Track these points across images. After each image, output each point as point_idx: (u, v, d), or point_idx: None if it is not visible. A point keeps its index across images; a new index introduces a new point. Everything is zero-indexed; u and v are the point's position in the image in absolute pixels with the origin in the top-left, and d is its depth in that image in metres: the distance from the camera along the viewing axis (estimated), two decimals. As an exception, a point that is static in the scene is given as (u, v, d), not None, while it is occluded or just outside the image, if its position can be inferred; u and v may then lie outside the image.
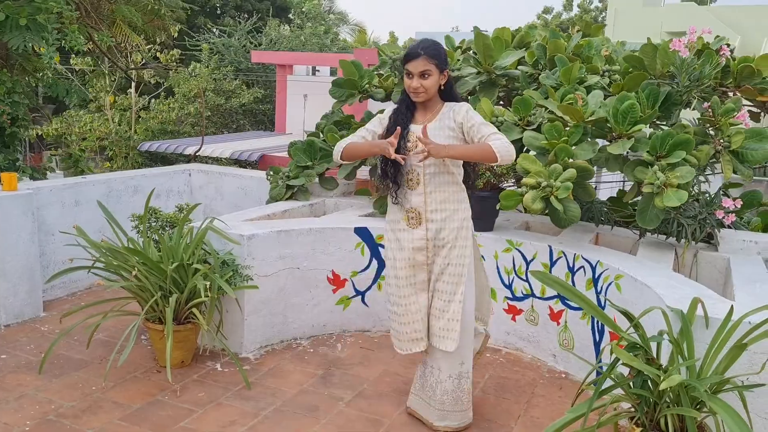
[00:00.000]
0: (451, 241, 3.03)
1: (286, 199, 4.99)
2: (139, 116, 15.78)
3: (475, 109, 4.57)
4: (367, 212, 4.74)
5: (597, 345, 3.76)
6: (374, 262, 4.34)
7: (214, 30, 20.38)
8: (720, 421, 2.59)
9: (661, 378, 2.62)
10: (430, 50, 2.94)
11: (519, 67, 4.91)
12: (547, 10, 45.52)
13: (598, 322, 3.74)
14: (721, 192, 4.24)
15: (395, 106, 3.15)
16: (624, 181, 9.13)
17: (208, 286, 3.48)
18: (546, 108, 4.28)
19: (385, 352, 4.11)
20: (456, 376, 3.13)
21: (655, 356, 2.78)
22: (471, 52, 5.18)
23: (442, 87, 3.00)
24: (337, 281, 4.31)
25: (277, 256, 4.05)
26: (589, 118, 4.05)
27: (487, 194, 4.30)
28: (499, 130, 4.35)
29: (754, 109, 4.47)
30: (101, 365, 3.77)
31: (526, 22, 47.95)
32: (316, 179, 5.10)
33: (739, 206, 3.95)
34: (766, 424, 2.78)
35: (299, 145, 5.23)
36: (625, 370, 2.85)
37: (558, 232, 4.49)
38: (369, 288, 4.36)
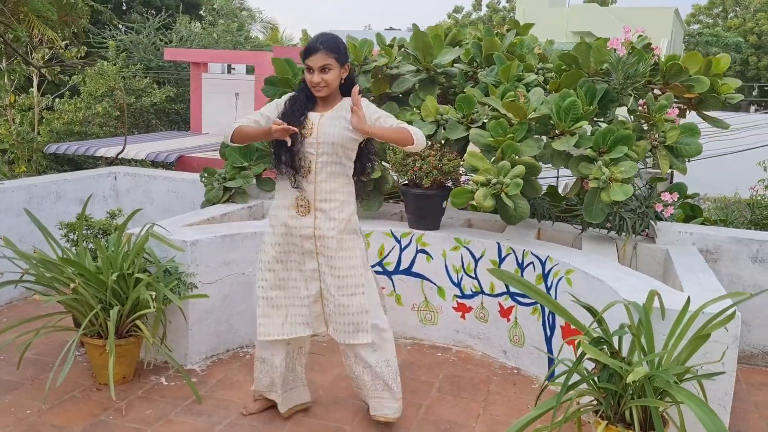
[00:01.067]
0: (338, 233, 3.00)
1: (224, 202, 4.80)
2: (42, 117, 14.90)
3: (419, 107, 4.58)
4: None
5: (548, 340, 3.81)
6: (321, 265, 4.23)
7: (121, 26, 19.52)
8: (681, 410, 2.67)
9: (626, 371, 2.68)
10: (329, 44, 2.91)
11: (455, 65, 4.92)
12: (457, 9, 46.40)
13: (549, 317, 3.79)
14: (647, 186, 4.40)
15: (292, 93, 3.12)
16: (557, 177, 9.40)
17: (154, 297, 3.28)
18: (489, 105, 4.31)
19: (336, 356, 4.01)
20: (376, 365, 3.12)
21: (618, 350, 2.83)
22: (403, 49, 5.16)
23: (343, 81, 2.98)
24: (283, 286, 4.17)
25: (221, 262, 3.88)
26: (533, 115, 4.10)
27: (433, 192, 4.27)
28: (444, 128, 4.39)
29: (681, 106, 4.66)
30: (34, 386, 3.49)
31: (437, 21, 48.66)
32: (254, 180, 4.94)
33: (676, 199, 4.11)
34: (722, 411, 2.89)
35: (235, 146, 5.05)
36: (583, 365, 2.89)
37: (501, 228, 4.52)
38: (316, 291, 4.25)
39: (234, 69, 18.45)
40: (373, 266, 4.26)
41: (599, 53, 4.43)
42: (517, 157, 3.91)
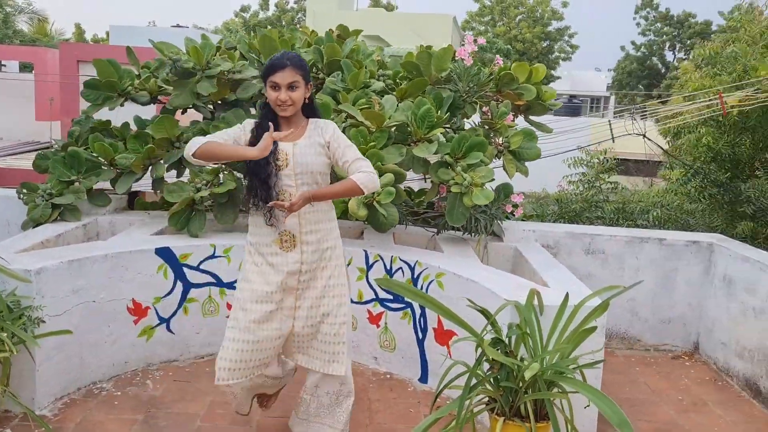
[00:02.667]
0: (326, 261, 2.88)
1: (53, 221, 4.27)
2: None
3: None
4: (158, 229, 4.28)
5: (420, 342, 3.90)
6: (178, 285, 3.94)
7: None
8: (570, 400, 2.89)
9: (521, 368, 2.83)
10: (295, 60, 2.75)
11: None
12: (244, 9, 45.65)
13: (420, 320, 3.88)
14: (496, 189, 4.69)
15: (254, 120, 2.88)
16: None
17: (4, 339, 2.82)
18: (344, 113, 4.29)
19: (203, 381, 3.77)
20: (334, 393, 3.00)
21: (512, 349, 2.99)
22: (238, 52, 4.97)
23: (307, 100, 2.82)
24: (138, 310, 3.82)
25: (70, 290, 3.45)
26: (389, 123, 4.16)
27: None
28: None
29: (512, 112, 5.01)
30: None
31: (223, 20, 47.52)
32: (85, 196, 4.45)
33: (522, 200, 4.42)
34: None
35: (58, 157, 4.52)
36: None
37: (358, 235, 4.55)
38: (174, 313, 3.95)
39: (5, 66, 16.50)
40: (233, 282, 4.06)
41: (440, 61, 4.62)
42: (381, 165, 3.94)
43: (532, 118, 5.07)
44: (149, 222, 4.50)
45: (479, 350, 2.89)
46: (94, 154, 4.55)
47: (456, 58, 4.45)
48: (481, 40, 4.58)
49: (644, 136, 6.57)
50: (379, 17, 31.55)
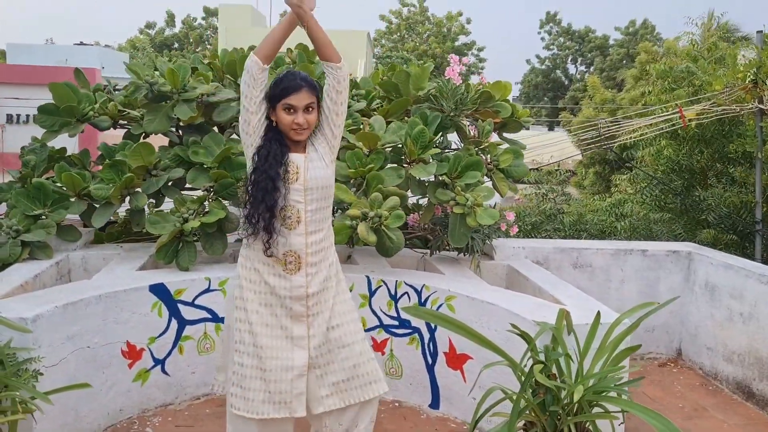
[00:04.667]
0: (330, 280, 2.70)
1: (22, 260, 3.92)
2: None
3: None
4: (140, 264, 4.01)
5: (430, 368, 3.82)
6: (173, 322, 3.69)
7: None
8: (612, 421, 2.88)
9: (570, 390, 2.81)
10: (309, 82, 2.61)
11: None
12: (149, 25, 44.34)
13: (429, 345, 3.80)
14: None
15: (259, 143, 2.68)
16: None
17: (16, 399, 2.53)
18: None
19: (209, 423, 3.54)
20: (371, 421, 2.80)
21: (555, 372, 2.95)
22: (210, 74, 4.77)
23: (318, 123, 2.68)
24: (132, 353, 3.55)
25: (65, 337, 3.16)
26: (385, 144, 4.09)
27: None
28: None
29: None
30: None
31: (128, 37, 46.00)
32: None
33: (513, 218, 4.43)
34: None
35: (20, 189, 4.17)
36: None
37: (342, 260, 4.42)
38: (169, 353, 3.69)
39: None
40: (230, 316, 3.86)
41: (418, 80, 4.60)
42: (383, 187, 3.85)
43: (506, 135, 5.11)
44: (126, 256, 4.22)
45: (522, 374, 2.84)
46: (59, 185, 4.23)
47: (446, 77, 4.42)
48: (466, 60, 4.58)
49: (612, 151, 6.79)
50: (294, 33, 31.39)
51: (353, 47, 27.41)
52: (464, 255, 4.43)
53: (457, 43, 43.81)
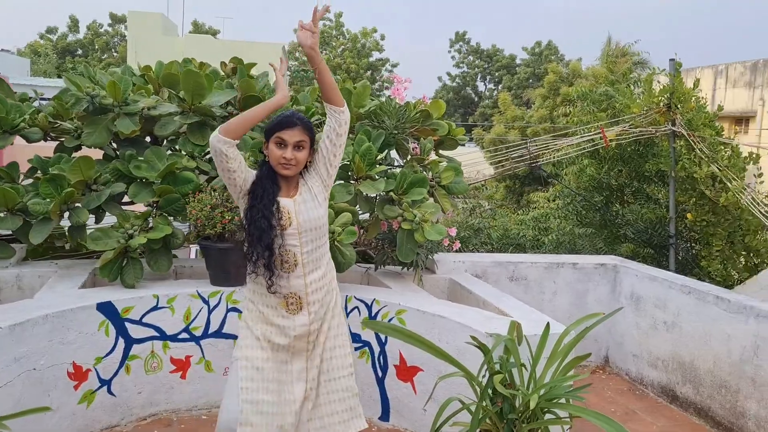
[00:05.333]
0: (330, 312, 2.75)
1: (-47, 279, 3.72)
2: None
3: (191, 152, 4.28)
4: (81, 281, 3.89)
5: (380, 381, 3.89)
6: (120, 342, 3.60)
7: None
8: (563, 427, 3.05)
9: (520, 398, 2.96)
10: (305, 121, 2.62)
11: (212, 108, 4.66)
12: (51, 30, 42.42)
13: (380, 358, 3.87)
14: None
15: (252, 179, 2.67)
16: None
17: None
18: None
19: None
20: None
21: (510, 380, 3.09)
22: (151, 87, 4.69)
23: (308, 164, 2.68)
24: (78, 374, 3.43)
25: (12, 359, 3.03)
26: (333, 161, 4.14)
27: (228, 246, 3.98)
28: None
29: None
30: None
31: (28, 42, 43.84)
32: (-15, 248, 3.93)
33: (455, 233, 4.58)
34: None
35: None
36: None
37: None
38: (116, 373, 3.60)
39: None
40: (178, 334, 3.80)
41: (359, 98, 4.70)
42: (334, 203, 3.91)
43: (442, 152, 5.28)
44: (64, 273, 4.07)
45: (479, 385, 2.96)
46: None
47: (391, 97, 4.53)
48: (408, 80, 4.71)
49: (541, 168, 7.12)
50: (206, 44, 30.90)
51: (268, 59, 27.19)
52: (407, 269, 4.54)
53: (371, 59, 44.30)
